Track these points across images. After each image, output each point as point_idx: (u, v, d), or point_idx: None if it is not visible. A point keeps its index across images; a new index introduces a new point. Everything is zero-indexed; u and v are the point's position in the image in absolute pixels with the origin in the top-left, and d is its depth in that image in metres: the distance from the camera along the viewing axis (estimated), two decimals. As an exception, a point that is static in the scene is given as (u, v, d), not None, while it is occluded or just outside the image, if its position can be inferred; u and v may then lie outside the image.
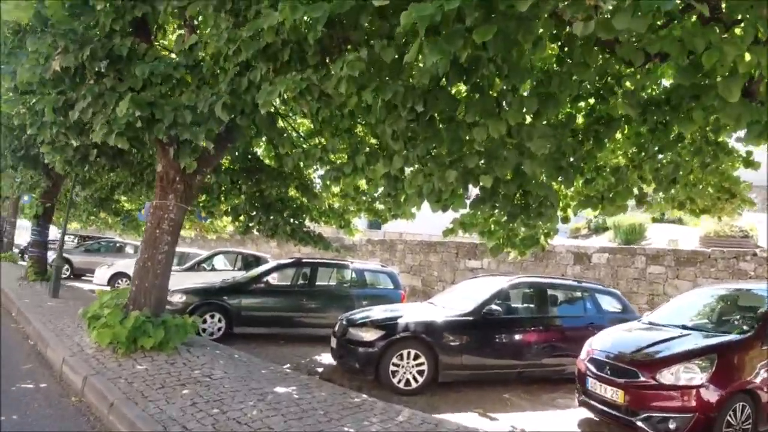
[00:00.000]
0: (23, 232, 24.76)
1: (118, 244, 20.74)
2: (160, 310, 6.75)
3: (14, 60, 5.95)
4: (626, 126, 5.43)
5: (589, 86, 4.89)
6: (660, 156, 5.85)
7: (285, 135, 6.65)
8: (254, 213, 10.63)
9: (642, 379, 5.13)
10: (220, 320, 9.15)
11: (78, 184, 12.48)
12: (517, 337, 7.22)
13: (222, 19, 4.94)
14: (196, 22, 6.17)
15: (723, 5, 3.31)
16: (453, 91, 4.70)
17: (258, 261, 13.84)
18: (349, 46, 4.38)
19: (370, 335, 6.61)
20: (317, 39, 4.07)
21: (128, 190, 11.96)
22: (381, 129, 4.20)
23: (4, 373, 5.60)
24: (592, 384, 5.63)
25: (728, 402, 4.92)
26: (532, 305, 7.82)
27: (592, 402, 5.62)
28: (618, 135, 5.76)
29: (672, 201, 7.37)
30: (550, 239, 6.82)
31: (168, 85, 5.59)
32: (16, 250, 19.55)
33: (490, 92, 3.88)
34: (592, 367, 5.73)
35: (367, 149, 5.80)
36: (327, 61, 4.53)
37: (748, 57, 3.03)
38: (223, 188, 10.33)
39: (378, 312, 7.32)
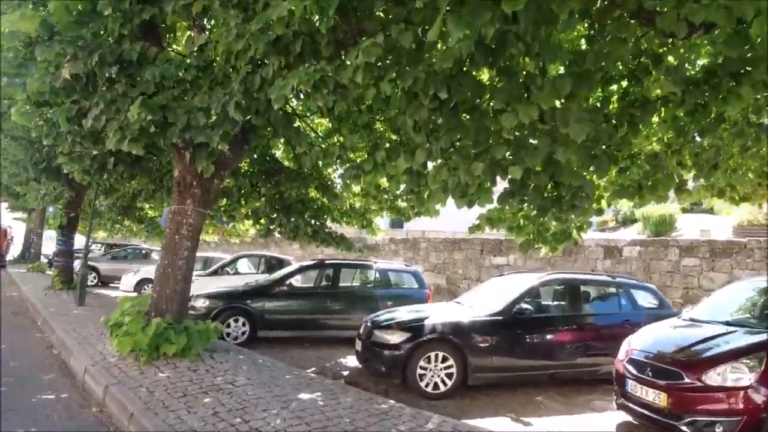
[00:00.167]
0: (50, 243, 25.17)
1: (143, 251, 20.92)
2: (183, 316, 6.63)
3: (25, 71, 5.89)
4: (662, 109, 5.11)
5: (621, 67, 4.59)
6: (699, 140, 5.51)
7: (302, 133, 6.44)
8: (275, 215, 10.51)
9: (686, 380, 4.80)
10: (244, 324, 9.05)
11: (101, 193, 12.55)
12: (550, 336, 6.91)
13: (231, 15, 4.78)
14: (205, 23, 6.04)
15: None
16: (477, 77, 4.43)
17: (281, 263, 13.75)
18: (364, 38, 4.17)
19: (395, 337, 6.38)
20: (330, 28, 3.86)
21: (150, 197, 11.96)
22: (402, 120, 3.96)
23: (25, 384, 5.53)
24: (632, 386, 5.31)
25: (778, 403, 4.57)
26: (564, 303, 7.50)
27: (632, 405, 5.30)
28: (653, 119, 5.44)
29: (711, 188, 7.00)
30: (583, 233, 6.51)
31: (180, 88, 5.47)
32: (44, 260, 19.82)
33: (518, 75, 3.60)
34: (631, 368, 5.42)
35: (388, 145, 5.57)
36: (341, 54, 4.33)
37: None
38: (242, 191, 10.23)
39: (403, 313, 7.09)
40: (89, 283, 17.91)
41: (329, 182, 9.99)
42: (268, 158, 9.58)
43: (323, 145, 7.47)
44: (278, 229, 11.00)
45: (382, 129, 6.11)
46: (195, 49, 5.43)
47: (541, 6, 2.67)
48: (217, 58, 5.36)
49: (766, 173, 6.52)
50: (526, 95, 3.65)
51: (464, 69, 3.55)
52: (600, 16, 3.66)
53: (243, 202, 10.49)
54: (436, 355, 6.25)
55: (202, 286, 11.81)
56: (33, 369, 6.25)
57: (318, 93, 3.80)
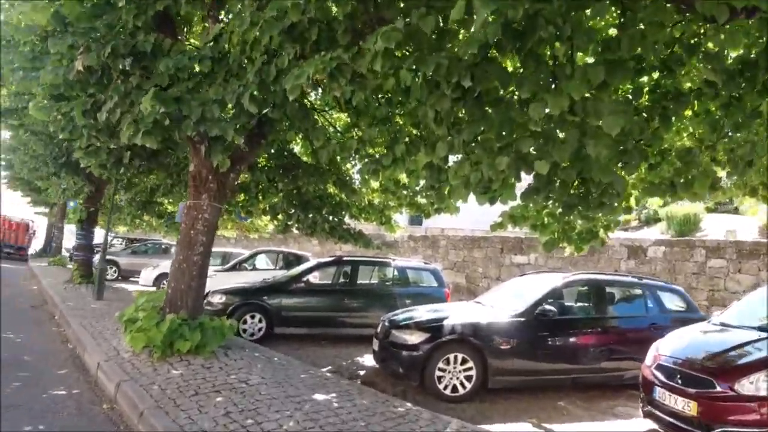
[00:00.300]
0: (71, 237, 25.55)
1: (163, 246, 21.04)
2: (197, 312, 6.54)
3: (40, 65, 5.83)
4: (695, 102, 4.84)
5: (653, 58, 4.34)
6: (732, 135, 5.22)
7: (319, 127, 6.29)
8: (292, 211, 10.39)
9: (718, 389, 4.54)
10: (260, 321, 8.95)
11: (121, 188, 12.59)
12: (573, 339, 6.65)
13: (245, 5, 4.64)
14: (222, 15, 5.92)
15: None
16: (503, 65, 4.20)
17: (299, 260, 13.66)
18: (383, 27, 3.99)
19: (414, 338, 6.19)
20: (347, 15, 3.69)
21: (168, 192, 11.95)
22: (422, 111, 3.77)
23: (38, 379, 5.48)
24: (660, 393, 5.05)
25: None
26: (588, 304, 7.23)
27: (659, 413, 5.04)
28: (686, 113, 5.16)
29: (744, 186, 6.66)
30: (610, 232, 6.25)
31: (195, 80, 5.35)
32: (65, 254, 20.05)
33: (547, 63, 3.38)
34: (659, 375, 5.16)
35: (407, 138, 5.38)
36: (359, 43, 4.15)
37: None
38: (260, 187, 10.13)
39: (422, 312, 6.90)
40: (109, 277, 18.12)
41: (347, 177, 9.82)
42: (286, 153, 9.46)
43: (341, 139, 7.30)
44: (296, 225, 10.88)
45: (401, 122, 5.92)
46: (210, 40, 5.31)
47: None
48: (232, 50, 5.24)
49: (801, 171, 6.17)
50: (553, 86, 3.44)
51: (489, 56, 3.34)
52: (631, 2, 3.43)
53: (261, 197, 10.39)
54: (456, 357, 6.04)
55: (220, 282, 11.79)
56: (47, 363, 6.21)
57: (335, 82, 3.62)
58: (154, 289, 14.07)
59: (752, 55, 4.02)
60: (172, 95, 5.10)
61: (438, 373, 5.98)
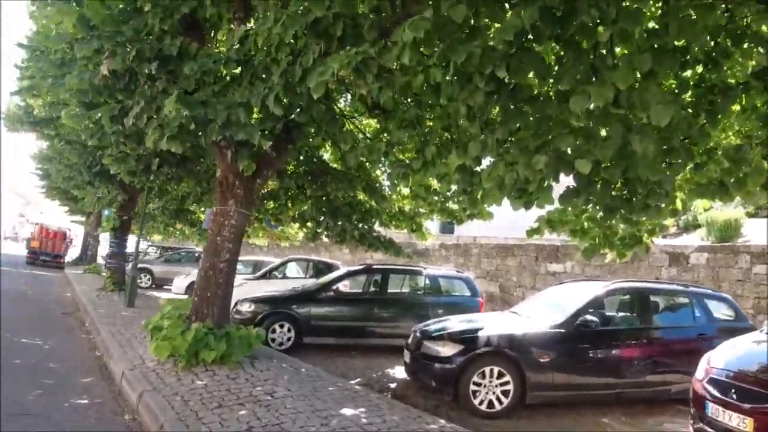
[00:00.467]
0: (107, 245, 26.12)
1: (196, 254, 21.19)
2: (224, 321, 6.40)
3: (68, 71, 5.83)
4: (743, 96, 4.46)
5: (697, 50, 4.01)
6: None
7: (347, 131, 6.11)
8: (321, 218, 10.24)
9: (776, 403, 4.16)
10: (289, 330, 8.79)
11: (154, 196, 12.68)
12: (617, 351, 6.26)
13: (270, 5, 4.50)
14: (248, 21, 5.82)
15: None
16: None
17: (329, 268, 13.50)
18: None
19: (447, 350, 5.90)
20: (373, 8, 3.49)
21: (198, 200, 11.98)
22: (454, 108, 3.52)
23: (61, 387, 5.41)
24: (713, 409, 4.67)
25: None
26: (632, 314, 6.81)
27: (711, 430, 4.67)
28: (732, 108, 4.78)
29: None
30: (655, 237, 5.86)
31: (221, 84, 5.24)
32: (100, 262, 20.44)
33: (588, 52, 3.10)
34: (712, 389, 4.78)
35: (438, 140, 5.14)
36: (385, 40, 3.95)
37: None
38: (289, 193, 10.02)
39: (455, 323, 6.60)
40: (143, 284, 18.35)
41: (377, 184, 9.61)
42: (315, 159, 9.32)
43: (369, 144, 7.09)
44: (325, 233, 10.73)
45: (431, 124, 5.68)
46: (235, 42, 5.20)
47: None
48: (257, 52, 5.12)
49: None
50: (594, 78, 3.16)
51: (525, 45, 3.07)
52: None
53: (290, 204, 10.28)
54: (491, 371, 5.72)
55: (250, 290, 11.72)
56: (72, 371, 6.16)
57: (361, 78, 3.41)
58: (185, 297, 14.12)
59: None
60: (197, 99, 5.00)
61: (473, 387, 5.67)
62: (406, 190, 9.02)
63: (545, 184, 4.20)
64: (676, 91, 4.32)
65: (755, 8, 3.47)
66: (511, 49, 2.91)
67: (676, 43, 3.09)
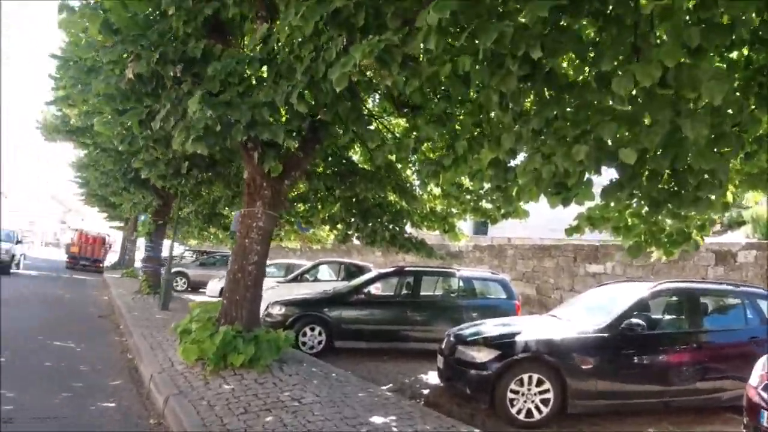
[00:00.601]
0: (144, 249, 26.69)
1: (230, 258, 21.41)
2: (253, 324, 6.30)
3: (96, 77, 5.84)
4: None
5: (743, 30, 3.66)
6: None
7: (373, 128, 5.93)
8: (351, 220, 10.08)
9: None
10: (320, 333, 8.64)
11: (188, 201, 12.79)
12: (664, 357, 5.85)
13: (291, 2, 4.36)
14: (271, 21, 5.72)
15: None
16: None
17: (361, 270, 13.34)
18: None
19: (482, 355, 5.62)
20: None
21: (229, 203, 12.02)
22: (485, 96, 3.28)
23: (89, 390, 5.37)
24: (770, 419, 4.27)
25: None
26: (680, 317, 6.40)
27: (766, 440, 4.27)
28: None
29: None
30: (705, 234, 5.47)
31: (245, 84, 5.14)
32: (138, 265, 20.87)
33: (630, 29, 2.82)
34: (768, 397, 4.38)
35: (469, 135, 4.90)
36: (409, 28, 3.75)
37: None
38: (319, 195, 9.90)
39: (491, 327, 6.32)
40: (179, 287, 18.59)
41: (407, 184, 9.39)
42: (344, 160, 9.18)
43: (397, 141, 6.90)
44: (355, 234, 10.57)
45: (462, 118, 5.44)
46: (258, 42, 5.10)
47: None
48: (280, 50, 5.00)
49: None
50: (636, 59, 2.88)
51: (561, 23, 2.82)
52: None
53: (319, 206, 10.17)
54: (530, 378, 5.41)
55: (281, 293, 11.66)
56: (102, 374, 6.13)
57: (385, 68, 3.21)
58: (219, 299, 14.21)
59: None
60: (222, 100, 4.91)
61: (510, 395, 5.37)
62: (437, 190, 8.77)
63: (585, 178, 3.93)
64: (725, 70, 3.97)
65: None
66: (545, 27, 2.67)
67: (730, 11, 2.76)
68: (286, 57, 4.83)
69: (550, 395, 5.40)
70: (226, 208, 14.03)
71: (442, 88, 5.11)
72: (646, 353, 5.78)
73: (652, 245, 5.32)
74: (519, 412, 5.38)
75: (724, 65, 4.09)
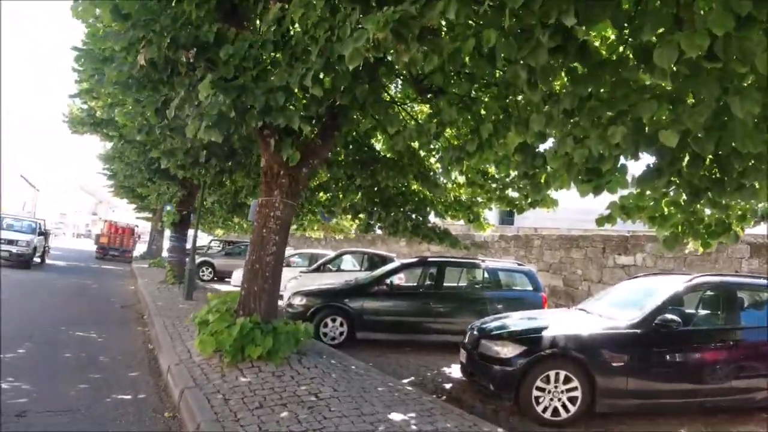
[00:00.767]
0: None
1: (254, 248, 21.47)
2: (271, 315, 6.17)
3: (109, 66, 5.75)
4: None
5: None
6: None
7: (393, 112, 5.69)
8: (373, 209, 9.87)
9: None
10: (341, 324, 8.50)
11: (212, 191, 12.77)
12: (699, 354, 5.53)
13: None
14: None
15: None
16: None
17: (384, 260, 13.21)
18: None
19: (507, 350, 5.38)
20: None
21: (251, 192, 11.92)
22: (512, 73, 3.02)
23: (106, 382, 5.32)
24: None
25: None
26: (717, 313, 6.04)
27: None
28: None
29: None
30: (747, 225, 5.11)
31: (260, 68, 4.96)
32: (165, 255, 21.13)
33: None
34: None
35: (494, 118, 4.64)
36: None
37: None
38: (340, 184, 9.72)
39: (516, 321, 6.07)
40: (205, 277, 18.73)
41: (430, 172, 9.13)
42: (366, 148, 8.96)
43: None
44: (378, 224, 10.37)
45: (487, 100, 5.17)
46: (271, 24, 4.90)
47: None
48: (294, 31, 4.81)
49: None
50: (679, 28, 2.59)
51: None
52: None
53: (341, 195, 10.00)
54: (557, 375, 5.15)
55: (304, 283, 11.59)
56: (121, 365, 6.09)
57: (401, 42, 2.97)
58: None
59: None
60: (235, 84, 4.75)
61: (536, 392, 5.13)
62: (461, 178, 8.47)
63: (620, 164, 3.64)
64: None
65: None
66: (579, -7, 2.40)
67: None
68: (300, 38, 4.64)
69: (577, 393, 5.13)
70: (249, 198, 14.00)
71: (465, 70, 4.84)
72: (680, 350, 5.46)
73: (689, 236, 4.99)
74: (545, 410, 5.13)
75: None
